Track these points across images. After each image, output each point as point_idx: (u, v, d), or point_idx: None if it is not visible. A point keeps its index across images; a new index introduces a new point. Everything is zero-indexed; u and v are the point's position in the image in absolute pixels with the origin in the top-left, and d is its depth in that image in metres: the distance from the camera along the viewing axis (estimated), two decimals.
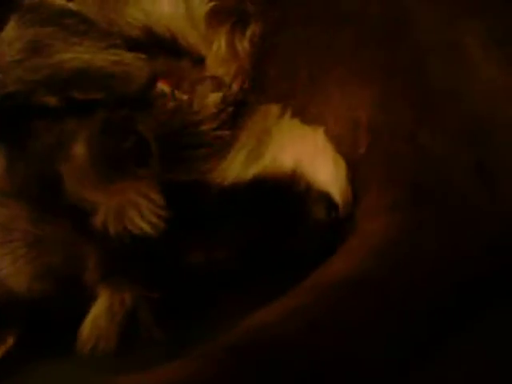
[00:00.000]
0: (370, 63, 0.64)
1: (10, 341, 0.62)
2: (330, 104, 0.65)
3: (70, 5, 0.62)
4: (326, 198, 0.57)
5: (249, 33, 0.76)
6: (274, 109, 0.63)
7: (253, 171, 0.58)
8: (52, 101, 0.55)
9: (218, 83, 0.67)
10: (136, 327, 0.55)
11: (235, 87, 0.67)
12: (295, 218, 0.57)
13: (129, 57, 0.58)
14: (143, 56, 0.60)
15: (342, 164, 0.59)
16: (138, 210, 0.53)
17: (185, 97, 0.63)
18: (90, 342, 0.54)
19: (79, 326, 0.55)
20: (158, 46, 0.73)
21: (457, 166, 0.54)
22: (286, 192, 0.57)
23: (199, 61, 0.74)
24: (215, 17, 0.76)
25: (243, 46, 0.76)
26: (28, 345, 0.60)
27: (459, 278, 0.50)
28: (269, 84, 0.71)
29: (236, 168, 0.58)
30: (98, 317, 0.54)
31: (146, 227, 0.52)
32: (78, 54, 0.57)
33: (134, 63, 0.58)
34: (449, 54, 0.64)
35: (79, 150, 0.54)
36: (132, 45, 0.71)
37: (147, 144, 0.57)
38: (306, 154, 0.59)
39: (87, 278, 0.55)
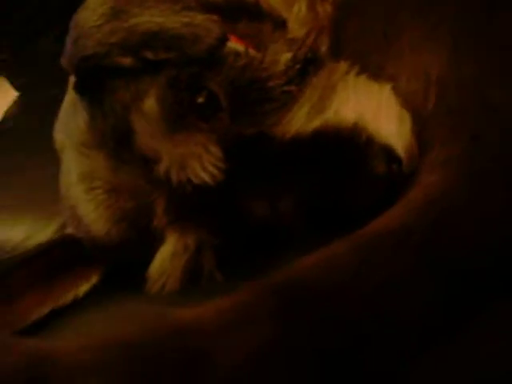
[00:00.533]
0: (440, 23, 0.63)
1: (94, 279, 0.68)
2: (404, 63, 0.64)
3: None
4: (387, 151, 0.57)
5: None
6: (342, 65, 0.63)
7: (315, 124, 0.59)
8: (127, 61, 0.59)
9: (291, 43, 0.68)
10: (199, 268, 0.59)
11: (306, 45, 0.68)
12: (355, 170, 0.57)
13: (200, 18, 0.61)
14: (216, 17, 0.62)
15: (407, 119, 0.59)
16: (199, 160, 0.56)
17: (257, 55, 0.65)
18: (159, 281, 0.59)
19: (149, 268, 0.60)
20: (241, 9, 0.76)
21: None
22: (347, 144, 0.57)
23: (280, 23, 0.76)
24: None
25: (324, 7, 0.76)
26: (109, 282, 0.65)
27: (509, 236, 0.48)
28: (346, 43, 0.71)
29: (299, 121, 0.59)
30: (165, 259, 0.59)
31: (206, 177, 0.56)
32: (151, 17, 0.61)
33: (204, 24, 0.61)
34: None
35: (150, 104, 0.58)
36: (214, 8, 0.74)
37: (217, 98, 0.60)
38: (369, 108, 0.59)
39: (156, 223, 0.59)
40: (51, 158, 0.72)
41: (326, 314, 0.44)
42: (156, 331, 0.45)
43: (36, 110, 1.26)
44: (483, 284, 0.47)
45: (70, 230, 0.70)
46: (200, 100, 0.60)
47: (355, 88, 0.60)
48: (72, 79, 0.67)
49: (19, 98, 1.44)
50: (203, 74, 0.61)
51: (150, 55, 0.59)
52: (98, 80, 0.61)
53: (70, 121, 0.65)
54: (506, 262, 0.48)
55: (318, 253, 0.49)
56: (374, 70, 0.66)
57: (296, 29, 0.75)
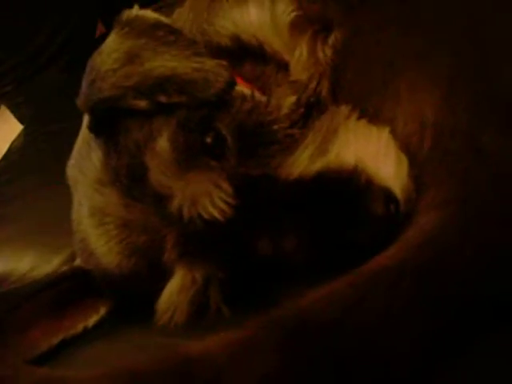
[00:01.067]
0: (439, 66, 0.67)
1: (103, 310, 0.70)
2: (401, 106, 0.68)
3: (162, 18, 0.70)
4: (385, 193, 0.60)
5: (331, 39, 0.81)
6: (343, 110, 0.67)
7: (317, 166, 0.62)
8: (141, 104, 0.63)
9: (295, 87, 0.72)
10: (206, 302, 0.61)
11: (310, 89, 0.72)
12: (355, 211, 0.60)
13: (210, 64, 0.65)
14: (224, 62, 0.66)
15: (405, 162, 0.62)
16: (210, 197, 0.59)
17: (263, 98, 0.69)
18: (167, 313, 0.61)
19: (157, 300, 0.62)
20: (246, 52, 0.80)
21: (511, 164, 0.56)
22: (347, 186, 0.61)
23: (283, 66, 0.80)
24: (298, 26, 0.81)
25: (325, 52, 0.80)
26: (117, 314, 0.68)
27: (504, 273, 0.51)
28: (345, 86, 0.75)
29: (302, 163, 0.63)
30: (173, 292, 0.61)
31: (216, 213, 0.59)
32: (164, 62, 0.64)
33: (214, 70, 0.64)
34: None
35: (162, 144, 0.61)
36: (220, 52, 0.78)
37: (224, 139, 0.64)
38: (369, 151, 0.62)
39: (166, 257, 0.62)
40: (58, 191, 0.75)
41: (325, 346, 0.47)
42: (164, 361, 0.47)
43: (42, 143, 1.29)
44: (476, 318, 0.51)
45: (79, 262, 0.73)
46: (208, 140, 0.63)
47: (355, 132, 0.64)
48: (86, 119, 0.70)
49: (25, 130, 1.47)
50: (212, 116, 0.64)
51: (163, 99, 0.63)
52: (112, 121, 0.64)
53: (84, 158, 0.68)
54: (498, 298, 0.51)
55: (319, 289, 0.52)
56: (372, 113, 0.70)
57: (298, 72, 0.79)
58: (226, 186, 0.59)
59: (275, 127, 0.66)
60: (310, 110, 0.68)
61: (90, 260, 0.69)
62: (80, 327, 0.71)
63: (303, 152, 0.64)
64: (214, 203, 0.59)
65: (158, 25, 0.69)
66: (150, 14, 0.71)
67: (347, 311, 0.49)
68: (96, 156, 0.65)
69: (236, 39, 0.80)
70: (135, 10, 0.71)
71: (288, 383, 0.45)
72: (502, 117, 0.61)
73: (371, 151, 0.62)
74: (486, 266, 0.52)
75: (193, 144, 0.62)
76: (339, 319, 0.48)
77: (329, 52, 0.81)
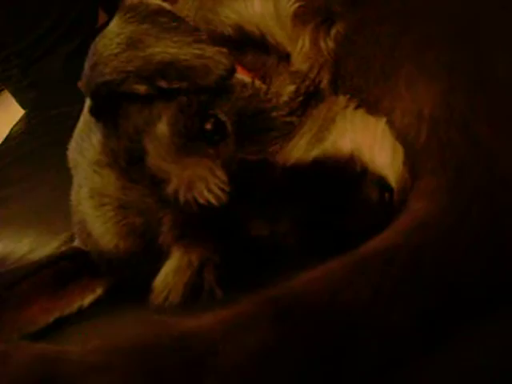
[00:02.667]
0: (437, 60, 0.68)
1: (99, 290, 0.71)
2: (399, 98, 0.69)
3: (165, 4, 0.71)
4: (380, 181, 0.61)
5: (333, 31, 0.82)
6: (341, 99, 0.68)
7: (314, 153, 0.63)
8: (142, 88, 0.64)
9: (295, 76, 0.73)
10: (200, 284, 0.62)
11: (309, 79, 0.73)
12: (350, 198, 0.61)
13: (210, 51, 0.66)
14: (225, 50, 0.67)
15: (400, 152, 0.63)
16: (206, 183, 0.60)
17: (263, 86, 0.70)
18: (162, 294, 0.62)
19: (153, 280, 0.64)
20: (248, 42, 0.81)
21: (505, 158, 0.57)
22: (343, 173, 0.62)
23: (285, 56, 0.81)
24: (301, 17, 0.82)
25: (327, 44, 0.81)
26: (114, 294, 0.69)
27: (491, 261, 0.52)
28: (346, 78, 0.76)
29: (299, 150, 0.64)
30: (169, 273, 0.62)
31: (212, 198, 0.60)
32: (166, 48, 0.65)
33: (214, 56, 0.65)
34: None
35: (161, 128, 0.62)
36: (223, 41, 0.79)
37: (224, 126, 0.65)
38: (365, 140, 0.63)
39: (162, 240, 0.63)
40: (58, 175, 0.76)
41: (320, 321, 0.49)
42: (160, 335, 0.48)
43: (43, 127, 1.30)
44: (464, 301, 0.52)
45: (77, 243, 0.74)
46: (208, 126, 0.64)
47: (352, 121, 0.65)
48: (88, 102, 0.71)
49: (26, 114, 1.48)
50: (212, 102, 0.65)
51: (163, 84, 0.64)
52: (113, 104, 0.65)
53: (85, 141, 0.69)
54: (485, 283, 0.53)
55: (312, 271, 0.53)
56: (371, 104, 0.71)
57: (299, 62, 0.80)
58: (220, 172, 0.60)
59: (274, 114, 0.67)
60: (308, 99, 0.69)
61: (88, 241, 0.70)
62: (76, 306, 0.72)
63: (301, 139, 0.65)
64: (209, 188, 0.60)
65: (160, 11, 0.70)
66: (153, 0, 0.72)
67: (338, 292, 0.50)
68: (96, 138, 0.66)
69: (239, 29, 0.81)
70: None
71: (281, 358, 0.46)
72: (497, 111, 0.62)
73: (367, 140, 0.63)
74: (476, 253, 0.53)
75: (191, 129, 0.63)
76: (330, 300, 0.50)
77: (331, 44, 0.82)
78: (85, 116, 0.72)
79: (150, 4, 0.70)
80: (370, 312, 0.50)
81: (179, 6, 0.90)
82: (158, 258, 0.64)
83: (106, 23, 0.72)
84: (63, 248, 0.76)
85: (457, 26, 0.69)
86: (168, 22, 0.68)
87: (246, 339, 0.46)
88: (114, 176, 0.64)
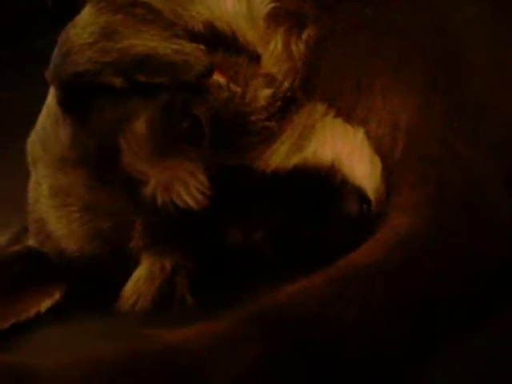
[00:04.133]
0: (414, 73, 0.68)
1: (57, 295, 0.67)
2: (374, 108, 0.69)
3: None
4: (359, 192, 0.61)
5: (305, 35, 0.81)
6: (320, 107, 0.67)
7: (294, 161, 0.62)
8: (118, 81, 0.60)
9: (270, 80, 0.72)
10: (172, 291, 0.60)
11: (286, 85, 0.72)
12: (329, 208, 0.61)
13: (189, 47, 0.63)
14: (202, 47, 0.65)
15: (378, 163, 0.63)
16: (185, 185, 0.57)
17: (238, 89, 0.68)
18: (131, 300, 0.59)
19: (122, 287, 0.60)
20: (218, 40, 0.79)
21: (483, 173, 0.58)
22: (323, 183, 0.61)
23: (255, 58, 0.79)
24: (274, 18, 0.80)
25: (298, 47, 0.80)
26: (73, 299, 0.65)
27: (473, 274, 0.53)
28: (319, 84, 0.75)
29: (279, 157, 0.62)
30: (140, 280, 0.60)
31: (191, 202, 0.57)
32: (144, 41, 0.62)
33: (193, 53, 0.63)
34: (491, 71, 0.67)
35: (140, 126, 0.59)
36: (194, 38, 0.76)
37: (201, 126, 0.62)
38: (344, 150, 0.63)
39: (133, 244, 0.60)
40: (6, 167, 0.71)
41: (306, 339, 0.48)
42: (143, 350, 0.46)
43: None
44: (448, 316, 0.52)
45: (32, 243, 0.70)
46: (185, 125, 0.61)
47: (332, 130, 0.64)
48: (53, 93, 0.67)
49: None
50: (190, 101, 0.63)
51: (142, 78, 0.61)
52: (85, 97, 0.61)
53: (49, 135, 0.65)
54: (468, 297, 0.53)
55: (295, 283, 0.52)
56: (345, 112, 0.70)
57: (270, 64, 0.78)
58: (201, 176, 0.58)
59: (252, 118, 0.65)
60: (286, 105, 0.68)
61: (47, 242, 0.66)
62: (32, 312, 0.68)
63: (280, 146, 0.63)
64: (188, 191, 0.57)
65: (135, 2, 0.66)
66: None
67: (325, 306, 0.49)
68: (64, 133, 0.62)
69: (210, 26, 0.79)
70: None
71: (270, 374, 0.44)
72: (474, 126, 0.63)
73: (347, 150, 0.63)
74: (460, 267, 0.53)
75: (171, 129, 0.60)
76: (318, 313, 0.49)
77: (302, 47, 0.81)
78: (49, 108, 0.68)
79: None
80: (357, 327, 0.49)
81: None
82: (126, 262, 0.61)
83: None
84: (16, 247, 0.71)
85: (433, 39, 0.69)
86: (144, 14, 0.66)
87: (235, 357, 0.45)
88: (81, 175, 0.61)
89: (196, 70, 0.62)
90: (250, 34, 0.79)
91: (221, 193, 0.60)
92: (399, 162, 0.64)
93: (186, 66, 0.62)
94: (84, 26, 0.63)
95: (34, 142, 0.68)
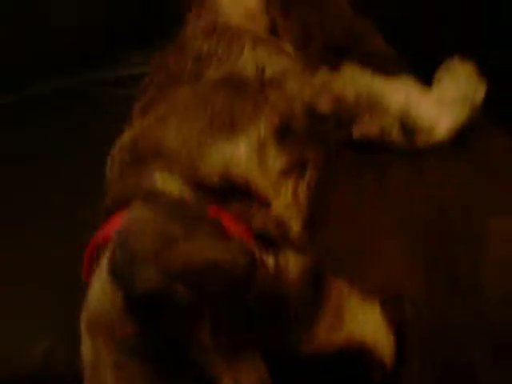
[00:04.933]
0: (412, 247, 0.83)
1: None
2: (377, 271, 0.83)
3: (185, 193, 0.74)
4: (381, 363, 0.76)
5: (306, 178, 0.92)
6: (343, 285, 0.79)
7: (335, 342, 0.75)
8: (184, 293, 0.64)
9: (280, 224, 0.83)
10: None
11: (295, 229, 0.85)
12: (360, 379, 0.75)
13: (233, 247, 0.68)
14: (247, 246, 0.71)
15: (391, 335, 0.78)
16: None
17: (270, 260, 0.78)
18: None
19: None
20: (233, 190, 0.88)
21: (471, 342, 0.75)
22: (356, 359, 0.75)
23: (266, 205, 0.89)
24: (286, 170, 0.91)
25: (303, 191, 0.92)
26: None
27: None
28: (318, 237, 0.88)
29: (320, 340, 0.75)
30: None
31: None
32: (201, 247, 0.66)
33: (237, 252, 0.67)
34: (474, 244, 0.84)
35: (205, 335, 0.67)
36: (209, 189, 0.85)
37: (253, 313, 0.71)
38: (368, 328, 0.77)
39: None
40: None
41: None
42: None
43: None
44: None
45: None
46: (240, 317, 0.70)
47: (357, 312, 0.77)
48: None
49: None
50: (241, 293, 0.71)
51: (208, 289, 0.67)
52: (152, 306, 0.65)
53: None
54: None
55: None
56: (347, 271, 0.83)
57: (280, 210, 0.89)
58: (263, 373, 0.69)
59: (290, 300, 0.76)
60: (317, 280, 0.79)
61: None
62: None
63: (319, 329, 0.75)
64: None
65: (182, 203, 0.72)
66: (171, 186, 0.75)
67: None
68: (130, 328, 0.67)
69: (225, 178, 0.87)
70: (158, 181, 0.75)
71: None
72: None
73: (370, 328, 0.77)
74: None
75: (233, 328, 0.69)
76: None
77: (305, 189, 0.93)
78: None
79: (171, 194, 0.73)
80: None
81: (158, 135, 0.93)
82: None
83: None
84: None
85: (432, 228, 0.84)
86: (193, 215, 0.69)
87: None
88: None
89: (242, 267, 0.66)
90: (261, 184, 0.89)
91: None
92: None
93: (232, 267, 0.65)
94: (143, 229, 0.66)
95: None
